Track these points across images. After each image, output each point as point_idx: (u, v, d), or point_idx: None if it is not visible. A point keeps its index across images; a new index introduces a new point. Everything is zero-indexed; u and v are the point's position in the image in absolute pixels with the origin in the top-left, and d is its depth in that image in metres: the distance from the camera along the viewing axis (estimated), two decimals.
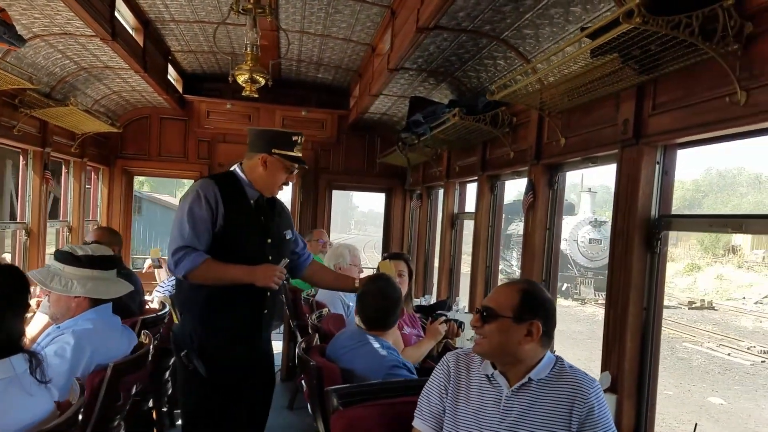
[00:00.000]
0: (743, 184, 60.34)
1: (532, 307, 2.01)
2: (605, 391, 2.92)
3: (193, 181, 7.88)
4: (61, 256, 2.64)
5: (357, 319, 2.92)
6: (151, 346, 2.88)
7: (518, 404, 1.98)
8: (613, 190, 3.06)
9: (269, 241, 2.99)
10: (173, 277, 5.49)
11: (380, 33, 5.06)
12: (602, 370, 3.04)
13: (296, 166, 3.02)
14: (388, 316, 2.86)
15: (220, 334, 2.90)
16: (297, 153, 2.99)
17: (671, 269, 29.67)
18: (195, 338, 2.87)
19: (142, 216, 18.94)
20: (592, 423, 1.94)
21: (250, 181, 2.98)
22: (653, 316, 2.85)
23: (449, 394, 2.08)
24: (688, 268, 32.33)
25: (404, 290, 3.64)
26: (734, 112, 2.25)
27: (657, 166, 2.80)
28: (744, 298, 26.51)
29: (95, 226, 6.13)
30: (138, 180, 8.04)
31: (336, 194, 8.56)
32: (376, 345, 2.75)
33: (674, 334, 17.58)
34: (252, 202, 2.99)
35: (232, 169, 3.05)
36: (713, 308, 23.79)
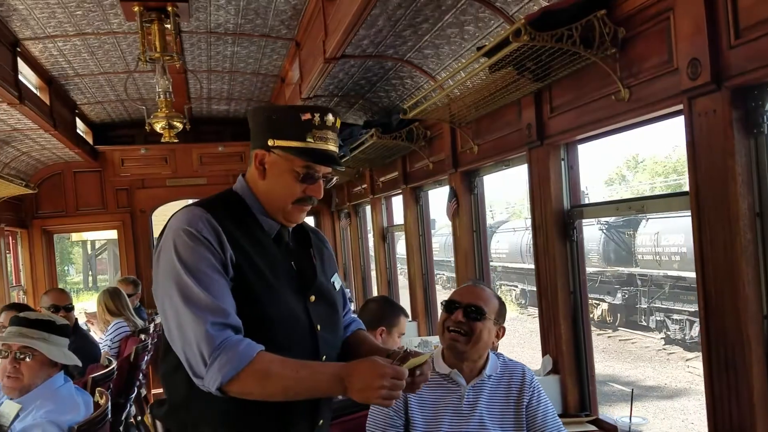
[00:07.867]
0: None
1: (503, 313, 2.29)
2: (548, 373, 3.17)
3: (116, 232, 7.70)
4: (43, 326, 2.58)
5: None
6: (109, 405, 2.86)
7: (476, 398, 2.20)
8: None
9: (312, 298, 1.81)
10: (110, 332, 5.20)
11: (288, 64, 5.17)
12: (543, 355, 3.27)
13: (316, 168, 1.75)
14: None
15: None
16: (318, 144, 1.72)
17: None
18: None
19: None
20: (537, 401, 2.24)
21: (261, 202, 1.82)
22: (580, 298, 3.11)
23: (411, 402, 2.21)
24: None
25: None
26: (621, 108, 2.52)
27: (562, 162, 3.08)
28: None
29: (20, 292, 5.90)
30: None
31: None
32: None
33: None
34: (271, 237, 1.82)
35: (234, 187, 1.87)
36: None
